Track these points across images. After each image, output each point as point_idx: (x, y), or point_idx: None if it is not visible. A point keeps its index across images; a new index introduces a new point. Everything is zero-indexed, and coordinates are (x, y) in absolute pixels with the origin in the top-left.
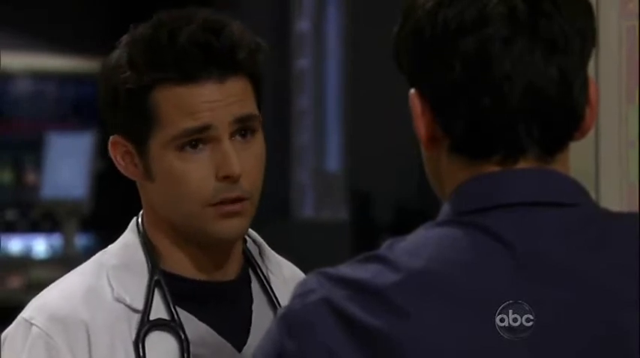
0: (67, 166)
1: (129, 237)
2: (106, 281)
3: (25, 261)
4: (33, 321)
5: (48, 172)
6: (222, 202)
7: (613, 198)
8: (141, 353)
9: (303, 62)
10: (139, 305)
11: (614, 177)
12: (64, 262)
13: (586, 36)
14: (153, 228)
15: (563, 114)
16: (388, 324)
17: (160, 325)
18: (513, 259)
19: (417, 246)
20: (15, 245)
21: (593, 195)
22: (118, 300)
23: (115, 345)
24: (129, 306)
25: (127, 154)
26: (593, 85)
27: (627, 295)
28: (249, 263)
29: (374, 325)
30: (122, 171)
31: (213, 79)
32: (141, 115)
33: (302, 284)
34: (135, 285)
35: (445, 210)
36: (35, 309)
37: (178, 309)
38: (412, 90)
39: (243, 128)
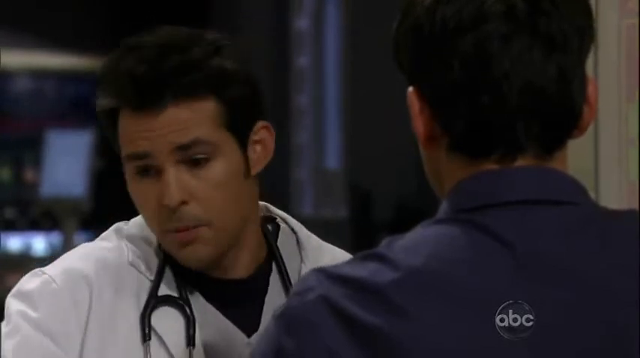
0: (66, 164)
1: None
2: (124, 245)
3: (24, 259)
4: (44, 271)
5: (47, 170)
6: (177, 230)
7: (613, 197)
8: (146, 329)
9: (302, 60)
10: (151, 276)
11: (613, 176)
12: None
13: (585, 34)
14: None
15: (562, 113)
16: (388, 323)
17: (167, 301)
18: (513, 259)
19: (415, 243)
20: (14, 243)
21: (592, 193)
22: (132, 265)
23: (118, 302)
24: (142, 273)
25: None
26: (592, 83)
27: (627, 295)
28: (274, 257)
29: (373, 324)
30: None
31: (152, 108)
32: (114, 131)
33: (301, 281)
34: (151, 257)
35: (444, 207)
36: (51, 267)
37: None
38: (410, 89)
39: (191, 154)
